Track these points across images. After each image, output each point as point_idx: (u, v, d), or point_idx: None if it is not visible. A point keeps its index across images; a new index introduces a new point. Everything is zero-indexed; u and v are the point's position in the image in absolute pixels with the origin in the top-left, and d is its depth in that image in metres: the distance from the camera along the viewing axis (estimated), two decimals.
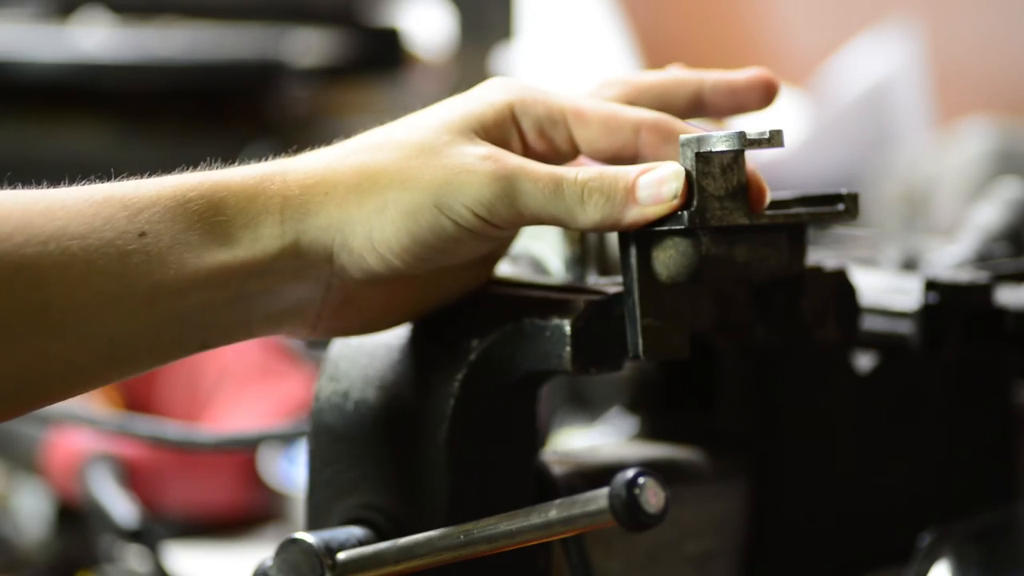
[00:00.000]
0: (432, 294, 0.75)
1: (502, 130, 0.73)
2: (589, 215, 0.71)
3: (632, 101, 0.76)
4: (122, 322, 0.69)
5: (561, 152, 0.74)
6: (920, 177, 1.78)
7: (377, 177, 0.72)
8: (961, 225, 1.05)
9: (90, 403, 1.38)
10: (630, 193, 0.71)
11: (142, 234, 0.69)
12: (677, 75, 0.78)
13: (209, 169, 0.71)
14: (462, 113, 0.73)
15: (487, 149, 0.72)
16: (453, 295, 0.76)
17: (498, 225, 0.71)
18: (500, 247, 0.76)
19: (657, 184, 0.71)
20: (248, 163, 0.72)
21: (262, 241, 0.70)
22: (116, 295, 0.69)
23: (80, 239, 0.68)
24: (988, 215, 1.04)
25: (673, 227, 0.71)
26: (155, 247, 0.69)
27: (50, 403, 0.70)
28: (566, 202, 0.71)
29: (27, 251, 0.67)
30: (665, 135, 0.74)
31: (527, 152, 0.74)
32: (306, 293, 0.72)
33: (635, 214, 0.71)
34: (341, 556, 0.72)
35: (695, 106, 0.77)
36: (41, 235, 0.67)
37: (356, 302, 0.74)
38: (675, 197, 0.71)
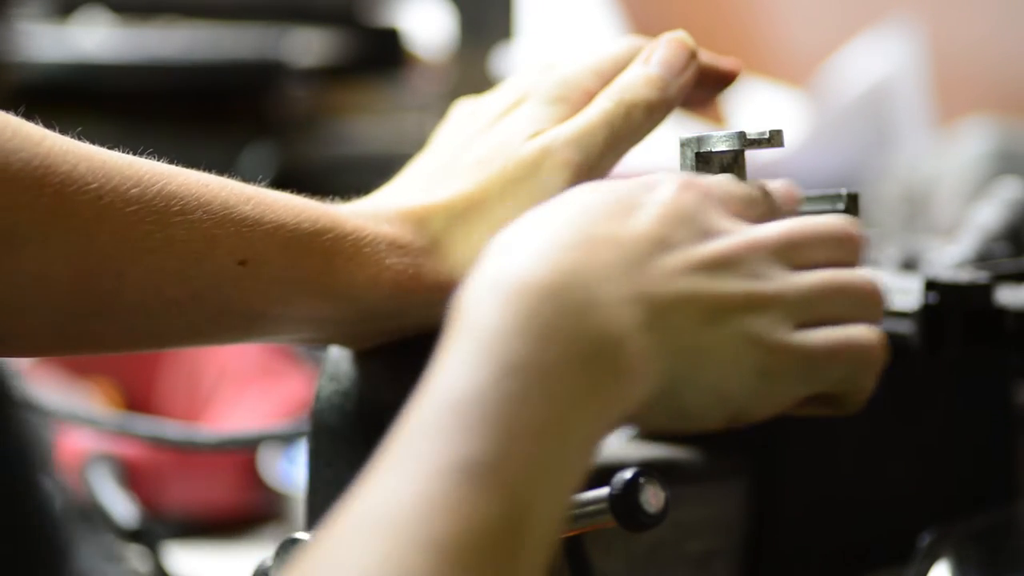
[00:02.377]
0: None
1: None
2: (644, 121, 0.75)
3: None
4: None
5: None
6: (920, 177, 1.78)
7: None
8: (961, 225, 1.05)
9: (90, 403, 1.38)
10: (654, 78, 0.75)
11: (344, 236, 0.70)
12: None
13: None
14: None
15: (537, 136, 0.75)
16: None
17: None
18: None
19: (666, 56, 0.75)
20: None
21: None
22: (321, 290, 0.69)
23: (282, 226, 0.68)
24: (988, 215, 1.04)
25: None
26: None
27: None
28: (624, 127, 0.74)
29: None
30: None
31: None
32: None
33: (670, 89, 0.75)
34: None
35: None
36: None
37: None
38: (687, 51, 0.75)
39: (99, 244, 0.64)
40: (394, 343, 0.76)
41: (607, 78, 0.77)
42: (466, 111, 0.79)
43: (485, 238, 0.72)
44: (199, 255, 0.66)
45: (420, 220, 0.73)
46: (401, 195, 0.75)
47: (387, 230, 0.71)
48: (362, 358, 0.76)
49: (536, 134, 0.75)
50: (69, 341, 0.67)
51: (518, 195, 0.73)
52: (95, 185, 0.64)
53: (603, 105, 0.75)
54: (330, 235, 0.69)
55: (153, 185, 0.65)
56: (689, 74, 0.76)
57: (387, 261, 0.70)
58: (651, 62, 0.76)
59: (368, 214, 0.72)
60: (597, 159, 0.74)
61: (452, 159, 0.76)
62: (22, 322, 0.64)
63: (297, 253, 0.68)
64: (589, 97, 0.77)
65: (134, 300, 0.66)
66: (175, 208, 0.66)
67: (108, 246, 0.64)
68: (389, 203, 0.73)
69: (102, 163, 0.65)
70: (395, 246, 0.71)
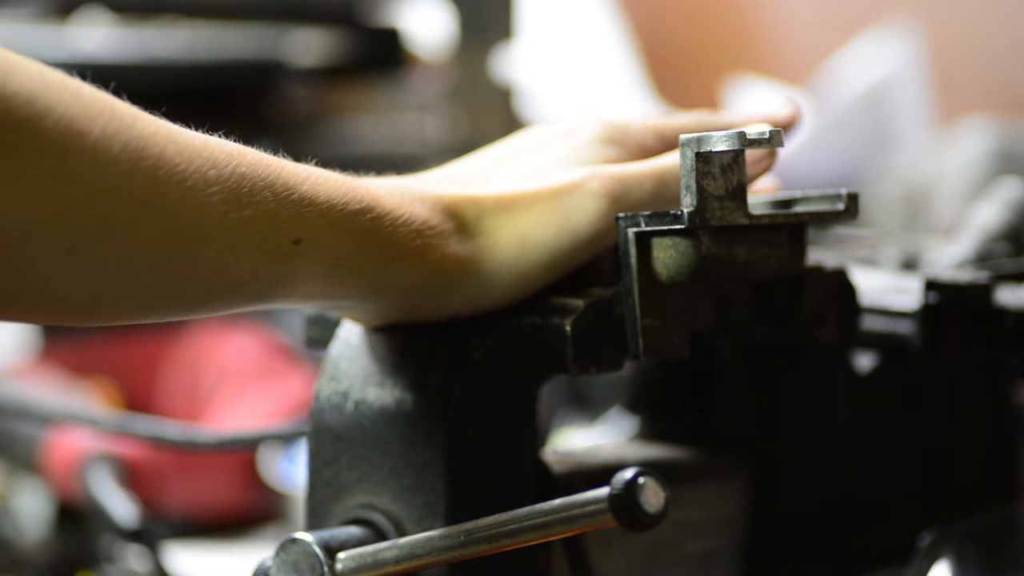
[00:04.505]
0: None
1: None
2: None
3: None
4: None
5: None
6: (920, 177, 1.78)
7: None
8: (961, 225, 1.05)
9: (90, 403, 1.38)
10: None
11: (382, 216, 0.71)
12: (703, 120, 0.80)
13: None
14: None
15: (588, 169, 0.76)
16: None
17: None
18: None
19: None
20: None
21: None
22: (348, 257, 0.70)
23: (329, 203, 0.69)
24: (988, 215, 1.04)
25: (673, 227, 0.71)
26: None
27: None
28: (675, 187, 0.75)
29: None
30: None
31: None
32: None
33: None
34: (341, 556, 0.72)
35: None
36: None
37: None
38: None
39: (182, 227, 0.64)
40: (394, 343, 0.76)
41: (668, 143, 0.79)
42: (531, 131, 0.81)
43: (506, 235, 0.73)
44: (263, 235, 0.67)
45: (450, 207, 0.74)
46: (438, 184, 0.76)
47: (420, 210, 0.72)
48: (362, 357, 0.76)
49: (585, 164, 0.76)
50: (136, 316, 0.67)
51: (547, 208, 0.74)
52: (181, 167, 0.64)
53: (663, 161, 0.77)
54: (372, 214, 0.70)
55: (227, 166, 0.66)
56: (758, 169, 0.77)
57: (417, 241, 0.71)
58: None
59: (403, 192, 0.73)
60: (636, 203, 0.75)
61: (497, 165, 0.78)
62: (103, 302, 0.65)
63: (342, 232, 0.69)
64: (644, 153, 0.78)
65: (202, 279, 0.66)
66: (245, 189, 0.66)
67: (190, 228, 0.65)
68: (425, 187, 0.75)
69: (185, 144, 0.65)
70: (426, 226, 0.72)
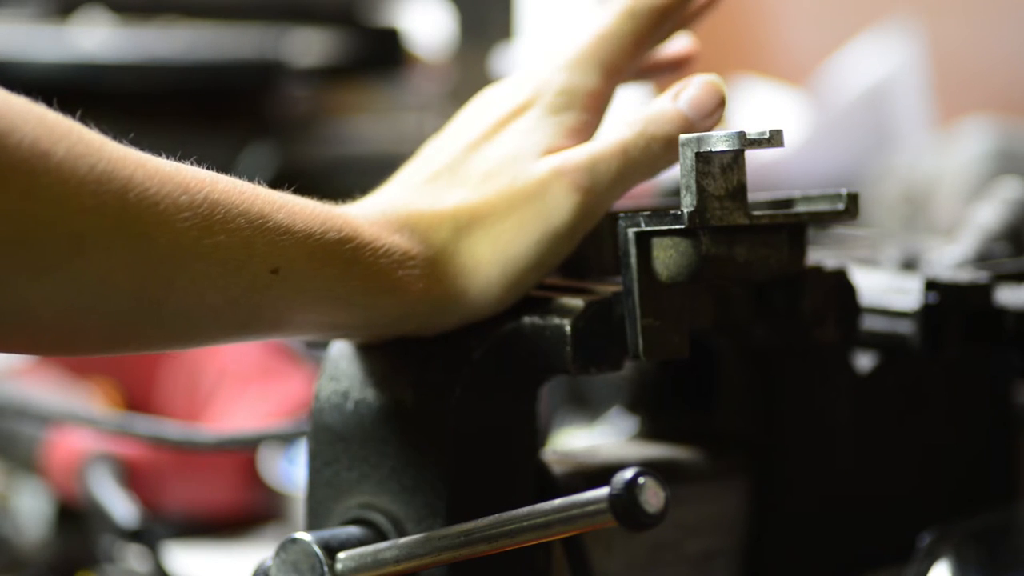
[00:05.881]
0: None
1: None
2: (661, 156, 0.75)
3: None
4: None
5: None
6: (920, 177, 1.78)
7: None
8: (961, 225, 1.05)
9: (90, 403, 1.38)
10: (680, 116, 0.75)
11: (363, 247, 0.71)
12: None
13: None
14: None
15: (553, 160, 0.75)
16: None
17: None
18: None
19: (696, 97, 0.76)
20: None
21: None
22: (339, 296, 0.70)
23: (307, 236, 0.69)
24: (988, 215, 1.04)
25: (673, 227, 0.71)
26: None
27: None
28: (640, 159, 0.75)
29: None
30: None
31: None
32: None
33: (694, 131, 0.74)
34: (341, 556, 0.72)
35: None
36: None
37: None
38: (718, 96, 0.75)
39: (156, 250, 0.64)
40: (394, 343, 0.76)
41: (611, 70, 0.78)
42: (482, 102, 0.79)
43: (487, 251, 0.73)
44: (239, 262, 0.67)
45: (427, 230, 0.73)
46: (409, 194, 0.76)
47: (399, 241, 0.72)
48: (362, 357, 0.76)
49: (547, 150, 0.75)
50: (117, 344, 0.67)
51: (524, 213, 0.74)
52: (152, 191, 0.64)
53: (623, 132, 0.76)
54: (351, 244, 0.70)
55: (199, 192, 0.66)
56: (715, 119, 0.76)
57: (399, 272, 0.71)
58: (680, 99, 0.76)
59: (382, 222, 0.72)
60: (608, 186, 0.75)
61: (460, 161, 0.77)
62: (80, 325, 0.65)
63: (321, 262, 0.69)
64: (595, 98, 0.77)
65: (179, 306, 0.66)
66: (218, 216, 0.66)
67: (164, 252, 0.65)
68: (398, 206, 0.74)
69: (155, 169, 0.65)
70: (406, 257, 0.72)
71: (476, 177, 0.75)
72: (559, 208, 0.74)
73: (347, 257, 0.70)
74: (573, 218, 0.74)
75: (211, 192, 0.66)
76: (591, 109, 0.77)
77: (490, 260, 0.74)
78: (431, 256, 0.73)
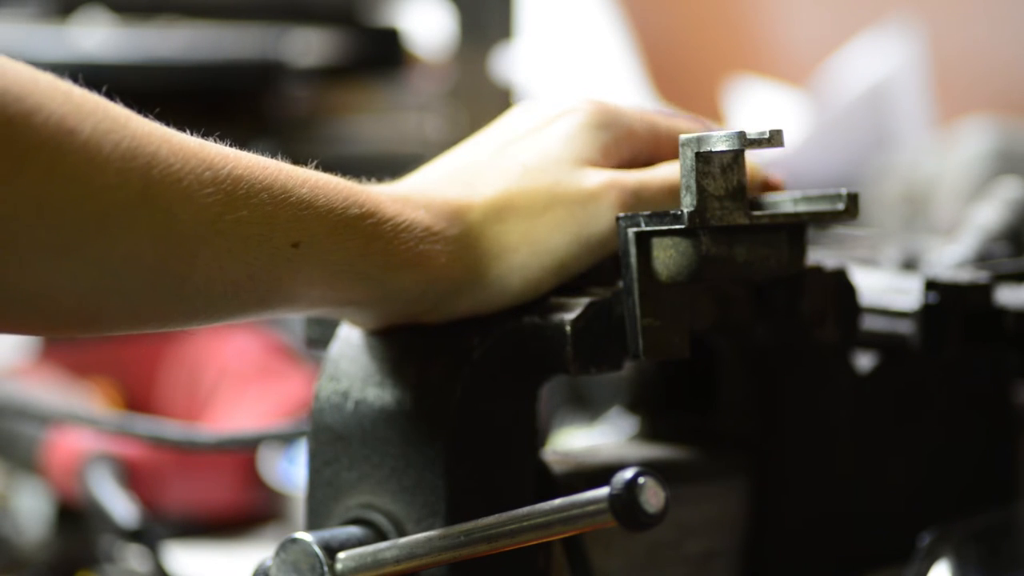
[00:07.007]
0: None
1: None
2: None
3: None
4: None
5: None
6: (920, 177, 1.78)
7: None
8: (961, 225, 1.05)
9: (90, 403, 1.38)
10: None
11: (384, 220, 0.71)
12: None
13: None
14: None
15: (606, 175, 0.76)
16: None
17: None
18: None
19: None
20: None
21: None
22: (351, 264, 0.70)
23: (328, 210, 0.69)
24: (988, 215, 1.04)
25: (673, 227, 0.71)
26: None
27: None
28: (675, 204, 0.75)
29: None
30: None
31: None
32: None
33: None
34: (341, 556, 0.72)
35: None
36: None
37: None
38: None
39: (179, 226, 0.64)
40: (394, 343, 0.76)
41: (656, 133, 0.79)
42: (520, 112, 0.81)
43: (517, 240, 0.73)
44: (261, 237, 0.67)
45: (457, 211, 0.74)
46: (440, 183, 0.76)
47: (423, 216, 0.72)
48: (362, 357, 0.76)
49: (585, 161, 0.76)
50: (139, 321, 0.67)
51: (562, 213, 0.75)
52: (176, 167, 0.64)
53: (671, 173, 0.77)
54: (372, 219, 0.70)
55: (223, 168, 0.66)
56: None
57: (420, 247, 0.71)
58: None
59: (405, 199, 0.73)
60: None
61: (496, 154, 0.77)
62: (103, 304, 0.65)
63: (342, 236, 0.69)
64: (632, 139, 0.78)
65: (202, 281, 0.66)
66: (242, 191, 0.66)
67: (187, 228, 0.65)
68: (427, 190, 0.74)
69: (180, 146, 0.65)
70: (429, 232, 0.72)
71: (516, 170, 0.76)
72: (600, 218, 0.75)
73: (368, 232, 0.70)
74: (610, 231, 0.75)
75: (235, 168, 0.66)
76: (624, 142, 0.78)
77: (515, 249, 0.74)
78: (456, 235, 0.73)
